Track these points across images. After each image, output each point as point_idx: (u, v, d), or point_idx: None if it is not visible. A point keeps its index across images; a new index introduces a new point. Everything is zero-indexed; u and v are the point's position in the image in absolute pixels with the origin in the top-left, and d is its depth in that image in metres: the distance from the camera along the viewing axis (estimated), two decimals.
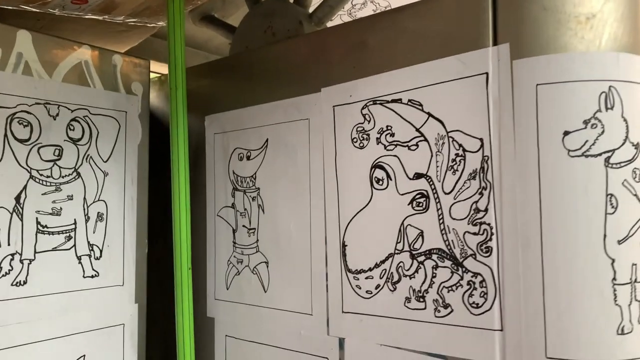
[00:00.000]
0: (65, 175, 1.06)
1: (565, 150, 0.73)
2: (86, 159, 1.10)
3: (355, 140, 0.95)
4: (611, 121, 0.72)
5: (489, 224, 0.79)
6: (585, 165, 0.72)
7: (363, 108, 0.94)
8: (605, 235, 0.72)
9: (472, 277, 0.81)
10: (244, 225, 1.15)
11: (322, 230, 1.00)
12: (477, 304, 0.80)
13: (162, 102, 1.37)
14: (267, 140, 1.11)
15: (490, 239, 0.79)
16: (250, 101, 1.14)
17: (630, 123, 0.73)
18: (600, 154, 0.72)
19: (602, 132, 0.72)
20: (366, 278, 0.93)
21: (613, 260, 0.72)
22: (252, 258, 1.14)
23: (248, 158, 1.15)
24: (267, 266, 1.10)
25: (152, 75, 1.29)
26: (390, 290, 0.90)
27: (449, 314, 0.83)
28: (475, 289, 0.80)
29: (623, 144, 0.73)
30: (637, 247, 0.73)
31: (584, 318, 0.72)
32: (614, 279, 0.72)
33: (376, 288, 0.92)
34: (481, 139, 0.80)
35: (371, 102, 0.93)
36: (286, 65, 1.08)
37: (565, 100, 0.73)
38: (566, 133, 0.73)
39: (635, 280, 0.73)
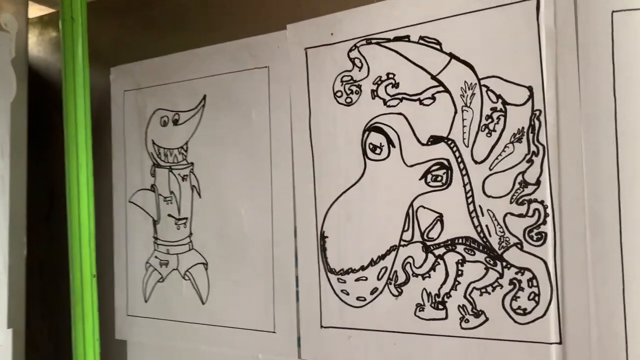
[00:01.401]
0: None
1: None
2: None
3: (339, 94, 0.70)
4: None
5: (541, 202, 0.58)
6: None
7: (351, 50, 0.69)
8: None
9: (516, 274, 0.60)
10: (170, 215, 0.85)
11: (290, 218, 0.74)
12: (525, 309, 0.59)
13: (45, 51, 1.00)
14: (204, 98, 0.82)
15: (544, 222, 0.58)
16: (178, 45, 0.84)
17: None
18: None
19: None
20: (357, 280, 0.69)
21: None
22: (182, 258, 0.84)
23: (175, 122, 0.84)
24: (206, 269, 0.81)
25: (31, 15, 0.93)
26: (394, 295, 0.66)
27: (482, 324, 0.61)
28: (521, 289, 0.59)
29: None
30: None
31: None
32: None
33: (372, 293, 0.68)
34: (529, 87, 0.59)
35: (363, 42, 0.69)
36: None
37: None
38: None
39: None
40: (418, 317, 0.65)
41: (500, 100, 0.61)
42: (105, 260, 0.90)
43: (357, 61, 0.69)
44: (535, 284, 0.59)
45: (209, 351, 0.80)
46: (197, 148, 0.82)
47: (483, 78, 0.62)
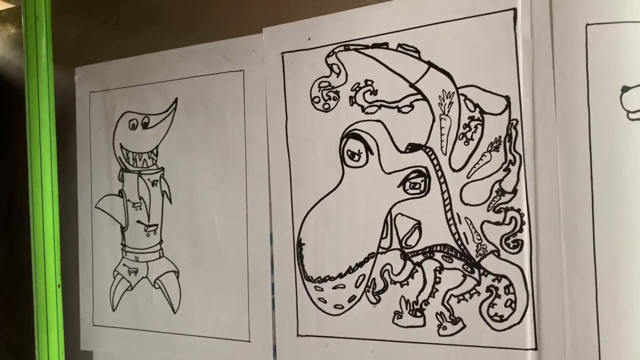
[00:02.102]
0: None
1: (624, 111, 0.56)
2: None
3: (317, 99, 0.69)
4: None
5: (518, 210, 0.59)
6: None
7: (329, 56, 0.69)
8: None
9: (493, 281, 0.60)
10: (139, 221, 0.82)
11: (266, 224, 0.72)
12: (502, 316, 0.60)
13: (3, 48, 0.95)
14: (175, 101, 0.80)
15: (521, 230, 0.59)
16: (148, 46, 0.82)
17: None
18: None
19: None
20: (334, 288, 0.68)
21: None
22: (153, 266, 0.81)
23: (145, 126, 0.82)
24: (177, 277, 0.79)
25: None
26: (372, 302, 0.66)
27: (459, 330, 0.62)
28: (498, 296, 0.60)
29: None
30: None
31: None
32: None
33: (350, 300, 0.67)
34: (507, 97, 0.60)
35: (341, 48, 0.68)
36: None
37: (624, 46, 0.56)
38: (625, 89, 0.56)
39: None
40: (396, 324, 0.65)
41: (477, 109, 0.61)
42: (70, 268, 0.86)
43: (335, 67, 0.68)
44: (511, 291, 0.60)
45: None
46: (168, 152, 0.80)
47: (461, 87, 0.62)
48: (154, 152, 0.81)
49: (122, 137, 0.84)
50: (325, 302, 0.69)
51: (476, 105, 0.61)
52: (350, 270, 0.67)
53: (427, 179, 0.63)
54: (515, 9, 0.59)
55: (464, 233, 0.62)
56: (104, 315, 0.85)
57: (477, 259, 0.61)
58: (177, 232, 0.79)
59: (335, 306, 0.68)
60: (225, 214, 0.75)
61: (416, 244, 0.64)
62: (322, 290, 0.69)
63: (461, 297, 0.62)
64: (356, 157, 0.67)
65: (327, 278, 0.69)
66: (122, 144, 0.84)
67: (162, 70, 0.80)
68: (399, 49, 0.65)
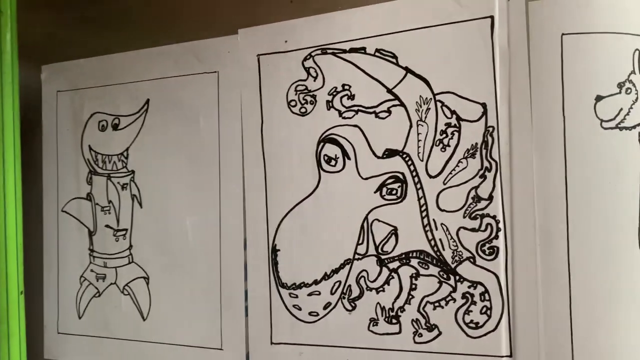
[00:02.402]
0: None
1: (598, 120, 0.57)
2: None
3: (293, 103, 0.68)
4: None
5: (494, 217, 0.59)
6: (620, 139, 0.57)
7: (306, 59, 0.68)
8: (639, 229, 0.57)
9: (469, 287, 0.60)
10: (108, 225, 0.80)
11: (240, 230, 0.71)
12: (477, 323, 0.60)
13: None
14: (147, 102, 0.77)
15: (496, 237, 0.59)
16: (119, 45, 0.79)
17: None
18: (634, 127, 0.57)
19: (637, 99, 0.58)
20: (309, 295, 0.67)
21: None
22: (121, 272, 0.79)
23: (115, 127, 0.79)
24: (147, 283, 0.77)
25: None
26: (347, 309, 0.65)
27: (435, 338, 0.62)
28: (473, 303, 0.60)
29: None
30: None
31: (619, 332, 0.56)
32: None
33: (325, 308, 0.67)
34: (483, 104, 0.60)
35: (318, 51, 0.67)
36: None
37: (599, 56, 0.57)
38: (599, 98, 0.57)
39: None
40: (372, 331, 0.64)
41: (454, 116, 0.61)
42: (34, 274, 0.83)
43: (312, 71, 0.68)
44: (487, 297, 0.60)
45: None
46: (139, 155, 0.78)
47: (438, 93, 0.62)
48: (124, 154, 0.79)
49: (91, 139, 0.81)
50: (300, 309, 0.68)
51: (453, 112, 0.61)
52: (326, 276, 0.66)
53: (404, 185, 0.63)
54: (492, 17, 0.60)
55: (440, 239, 0.62)
56: (70, 322, 0.82)
57: (453, 266, 0.61)
58: (147, 237, 0.77)
59: (310, 313, 0.67)
60: (198, 219, 0.73)
61: (392, 250, 0.64)
62: (296, 297, 0.68)
63: (437, 304, 0.62)
64: (333, 162, 0.66)
65: (302, 285, 0.68)
66: (91, 146, 0.81)
67: (134, 70, 0.78)
68: (377, 54, 0.65)
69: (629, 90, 0.57)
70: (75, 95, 0.82)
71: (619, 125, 0.57)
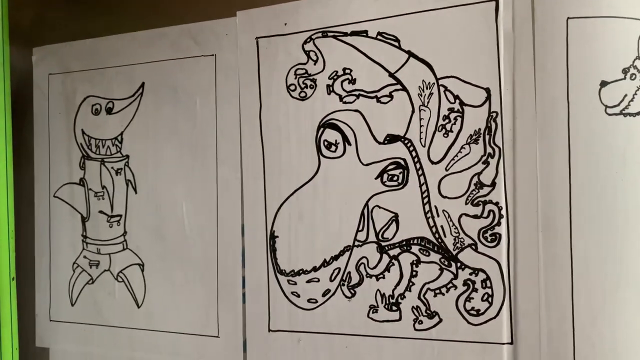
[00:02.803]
0: None
1: (602, 106, 0.56)
2: None
3: (293, 87, 0.67)
4: None
5: (496, 204, 0.59)
6: (625, 125, 0.57)
7: (306, 42, 0.67)
8: None
9: (470, 274, 0.60)
10: (101, 211, 0.78)
11: (237, 216, 0.70)
12: (478, 310, 0.59)
13: None
14: (142, 85, 0.76)
15: (499, 224, 0.59)
16: (114, 27, 0.77)
17: None
18: (639, 113, 0.57)
19: None
20: (308, 282, 0.66)
21: None
22: (115, 259, 0.77)
23: (109, 111, 0.78)
24: (142, 270, 0.76)
25: None
26: (347, 296, 0.65)
27: (435, 325, 0.61)
28: (475, 290, 0.60)
29: None
30: None
31: (620, 320, 0.56)
32: None
33: (324, 295, 0.66)
34: (487, 89, 0.59)
35: (319, 34, 0.66)
36: None
37: (604, 41, 0.57)
38: (603, 84, 0.56)
39: None
40: (371, 318, 0.64)
41: (457, 101, 0.61)
42: (26, 260, 0.81)
43: (312, 54, 0.66)
44: (489, 284, 0.59)
45: (145, 358, 0.75)
46: (134, 139, 0.76)
47: (441, 78, 0.61)
48: (119, 138, 0.77)
49: (84, 123, 0.79)
50: (298, 296, 0.67)
51: (456, 97, 0.61)
52: (325, 263, 0.66)
53: (406, 171, 0.62)
54: (497, 0, 0.59)
55: (442, 226, 0.61)
56: (62, 310, 0.80)
57: (454, 253, 0.61)
58: (142, 223, 0.75)
59: (308, 300, 0.66)
60: (194, 205, 0.72)
61: (393, 237, 0.63)
62: (295, 284, 0.67)
63: (438, 291, 0.61)
64: (333, 148, 0.65)
65: (300, 272, 0.67)
66: (84, 130, 0.79)
67: (128, 53, 0.76)
68: (379, 37, 0.63)
69: (634, 76, 0.57)
70: (67, 78, 0.80)
71: (624, 112, 0.56)
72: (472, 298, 0.60)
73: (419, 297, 0.62)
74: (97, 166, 0.78)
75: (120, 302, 0.77)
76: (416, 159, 0.62)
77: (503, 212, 0.59)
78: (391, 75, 0.63)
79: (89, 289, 0.79)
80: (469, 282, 0.60)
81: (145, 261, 0.75)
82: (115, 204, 0.77)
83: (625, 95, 0.57)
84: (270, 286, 0.68)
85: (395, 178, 0.63)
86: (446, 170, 0.61)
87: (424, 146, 0.62)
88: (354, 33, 0.64)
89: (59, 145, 0.81)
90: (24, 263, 0.80)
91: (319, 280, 0.66)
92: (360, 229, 0.64)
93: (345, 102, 0.65)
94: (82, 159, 0.79)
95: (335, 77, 0.65)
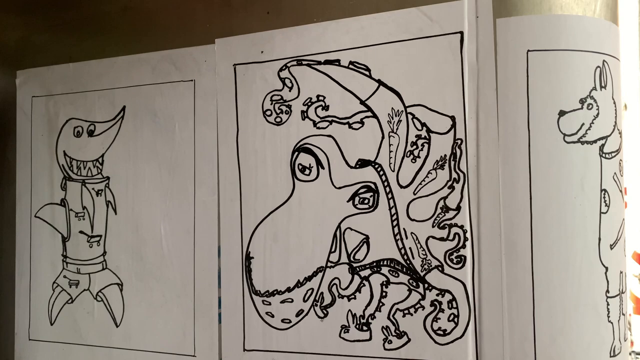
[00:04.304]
0: None
1: (560, 134, 0.59)
2: None
3: (269, 112, 0.69)
4: (605, 102, 0.61)
5: (461, 227, 0.61)
6: (582, 153, 0.59)
7: (282, 70, 0.69)
8: (600, 239, 0.60)
9: (437, 295, 0.62)
10: (82, 232, 0.79)
11: (214, 237, 0.72)
12: (445, 330, 0.61)
13: None
14: (123, 109, 0.78)
15: (464, 246, 0.61)
16: (97, 52, 0.79)
17: (617, 107, 0.63)
18: (595, 141, 0.60)
19: (597, 114, 0.60)
20: (282, 302, 0.68)
21: (606, 269, 0.60)
22: (95, 278, 0.79)
23: (91, 133, 0.79)
24: (121, 289, 0.77)
25: None
26: (320, 317, 0.66)
27: (404, 344, 0.63)
28: (441, 311, 0.62)
29: (613, 130, 0.62)
30: (622, 252, 0.63)
31: (579, 340, 0.59)
32: (607, 290, 0.60)
33: (298, 315, 0.68)
34: (452, 117, 0.62)
35: (294, 62, 0.69)
36: (159, 3, 0.77)
37: (562, 73, 0.60)
38: (562, 113, 0.59)
39: (622, 291, 0.62)
40: (343, 338, 0.65)
41: (424, 128, 0.63)
42: (6, 280, 0.82)
43: (287, 81, 0.69)
44: (454, 305, 0.61)
45: None
46: (114, 161, 0.78)
47: (409, 106, 0.64)
48: (100, 160, 0.79)
49: (66, 144, 0.81)
50: (272, 316, 0.68)
51: (423, 124, 0.63)
52: (299, 284, 0.67)
53: (376, 195, 0.65)
54: (462, 33, 0.62)
55: (410, 248, 0.63)
56: (41, 329, 0.81)
57: (422, 274, 0.63)
58: (121, 244, 0.77)
59: (282, 320, 0.68)
60: (172, 226, 0.74)
61: (364, 258, 0.65)
62: (269, 304, 0.69)
63: (406, 311, 0.63)
64: (307, 171, 0.67)
65: (275, 292, 0.68)
66: (66, 152, 0.81)
67: (110, 77, 0.78)
68: (350, 66, 0.66)
69: (590, 106, 0.60)
70: (50, 101, 0.82)
71: (581, 140, 0.59)
72: (439, 318, 0.62)
73: (388, 317, 0.64)
74: (78, 187, 0.80)
75: (99, 322, 0.78)
76: (386, 183, 0.64)
77: (468, 235, 0.61)
78: (362, 102, 0.65)
79: (68, 308, 0.80)
80: (436, 302, 0.62)
81: (124, 281, 0.77)
82: (95, 225, 0.79)
83: (583, 124, 0.59)
84: (246, 306, 0.70)
85: (366, 201, 0.65)
86: (414, 194, 0.63)
87: (393, 171, 0.64)
88: (327, 62, 0.67)
89: (41, 166, 0.82)
90: (4, 282, 0.81)
91: (292, 301, 0.68)
92: (332, 250, 0.66)
93: (318, 128, 0.67)
94: (64, 180, 0.81)
95: (309, 104, 0.68)
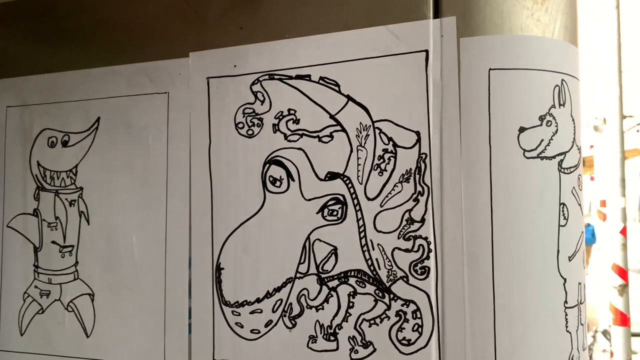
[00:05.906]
0: None
1: (520, 149, 0.61)
2: None
3: (241, 125, 0.71)
4: (563, 120, 0.63)
5: (425, 238, 0.63)
6: (541, 168, 0.62)
7: (254, 83, 0.71)
8: (558, 251, 0.62)
9: (402, 305, 0.63)
10: (54, 242, 0.80)
11: (185, 248, 0.72)
12: (409, 340, 0.63)
13: None
14: (98, 120, 0.79)
15: (428, 257, 0.63)
16: (71, 63, 0.80)
17: (576, 124, 0.65)
18: (554, 156, 0.62)
19: (556, 131, 0.63)
20: (252, 312, 0.69)
21: (565, 280, 0.62)
22: (66, 288, 0.79)
23: (65, 144, 0.80)
24: (92, 300, 0.77)
25: None
26: (288, 327, 0.67)
27: (370, 354, 0.64)
28: (406, 321, 0.63)
29: (572, 146, 0.64)
30: (581, 264, 0.65)
31: (538, 349, 0.60)
32: (566, 301, 0.62)
33: (267, 325, 0.68)
34: (417, 132, 0.64)
35: (266, 77, 0.70)
36: (134, 16, 0.78)
37: (522, 91, 0.62)
38: (522, 130, 0.62)
39: (581, 302, 0.64)
40: (311, 348, 0.66)
41: (391, 143, 0.65)
42: None
43: (259, 95, 0.70)
44: (419, 315, 0.63)
45: None
46: (88, 172, 0.79)
47: (377, 121, 0.65)
48: (73, 171, 0.79)
49: (40, 155, 0.81)
50: (242, 326, 0.69)
51: (390, 139, 0.65)
52: (268, 295, 0.68)
53: (344, 207, 0.66)
54: (427, 51, 0.64)
55: (377, 259, 0.65)
56: (11, 339, 0.81)
57: (387, 284, 0.64)
58: (93, 254, 0.77)
59: (252, 331, 0.69)
60: (144, 237, 0.74)
61: (332, 269, 0.66)
62: (239, 315, 0.69)
63: (372, 322, 0.64)
64: (278, 183, 0.69)
65: (244, 303, 0.69)
66: (40, 162, 0.81)
67: (85, 88, 0.79)
68: (321, 81, 0.68)
69: (550, 123, 0.62)
70: (25, 111, 0.83)
71: (540, 155, 0.62)
72: (404, 328, 0.63)
73: (355, 327, 0.65)
74: (52, 197, 0.80)
75: (69, 332, 0.78)
76: (354, 195, 0.66)
77: (432, 246, 0.63)
78: (332, 117, 0.67)
79: (39, 319, 0.80)
80: (401, 312, 0.63)
81: (96, 291, 0.77)
82: (67, 235, 0.79)
83: (542, 140, 0.62)
84: (215, 317, 0.70)
85: (335, 213, 0.66)
86: (381, 206, 0.65)
87: (361, 183, 0.66)
88: (299, 77, 0.69)
89: (14, 176, 0.82)
90: None
91: (262, 312, 0.69)
92: (302, 261, 0.67)
93: (289, 141, 0.69)
94: (37, 190, 0.81)
95: (280, 117, 0.69)
